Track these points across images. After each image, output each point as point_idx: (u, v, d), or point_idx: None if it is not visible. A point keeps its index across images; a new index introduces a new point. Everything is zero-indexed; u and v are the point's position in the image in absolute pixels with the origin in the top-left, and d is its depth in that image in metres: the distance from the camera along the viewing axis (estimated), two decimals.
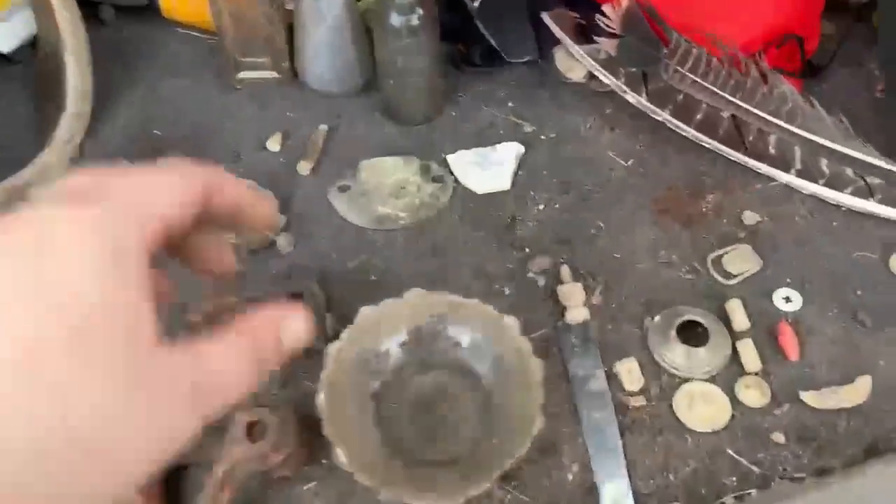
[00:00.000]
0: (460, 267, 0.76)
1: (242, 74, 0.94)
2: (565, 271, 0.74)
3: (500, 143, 0.86)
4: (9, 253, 0.22)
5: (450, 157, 0.85)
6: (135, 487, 0.24)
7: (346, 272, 0.76)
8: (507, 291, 0.74)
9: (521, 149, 0.86)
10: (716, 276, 0.74)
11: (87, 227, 0.23)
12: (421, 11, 0.81)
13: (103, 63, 0.91)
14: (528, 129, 0.88)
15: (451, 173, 0.84)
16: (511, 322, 0.65)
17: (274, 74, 0.94)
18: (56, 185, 0.26)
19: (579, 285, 0.72)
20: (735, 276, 0.74)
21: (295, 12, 0.88)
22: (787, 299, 0.72)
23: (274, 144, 0.88)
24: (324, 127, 0.89)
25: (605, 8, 0.86)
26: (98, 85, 0.88)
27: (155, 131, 0.90)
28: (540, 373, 0.61)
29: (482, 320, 0.66)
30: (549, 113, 0.90)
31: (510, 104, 0.91)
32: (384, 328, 0.67)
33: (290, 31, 0.91)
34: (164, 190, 0.27)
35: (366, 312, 0.66)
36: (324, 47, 0.88)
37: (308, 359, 0.63)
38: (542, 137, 0.88)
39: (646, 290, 0.74)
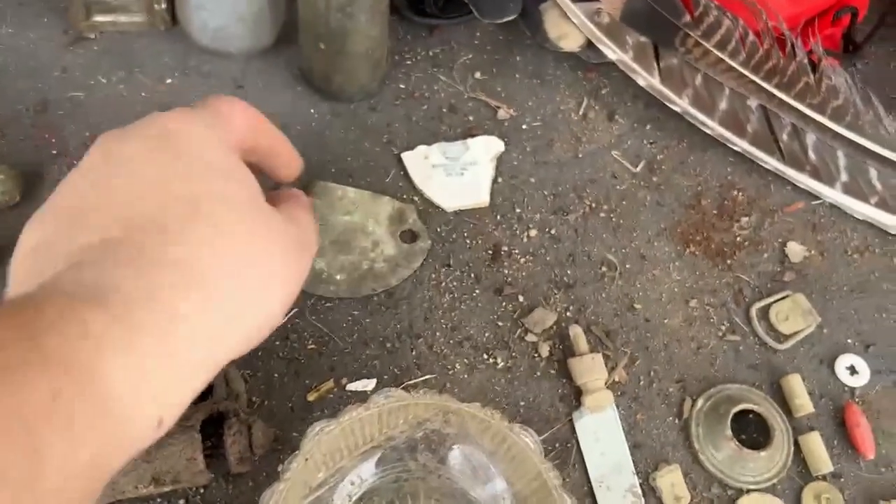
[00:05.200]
0: (431, 326, 0.55)
1: (97, 18, 0.65)
2: (578, 335, 0.55)
3: (468, 131, 0.64)
4: (144, 138, 0.28)
5: (405, 156, 0.62)
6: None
7: (272, 349, 0.53)
8: (499, 363, 0.55)
9: (501, 146, 0.64)
10: (764, 337, 0.57)
11: (200, 124, 0.29)
12: None
13: None
14: (502, 113, 0.66)
15: (421, 198, 0.61)
16: (528, 440, 0.46)
17: (142, 20, 0.65)
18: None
19: (599, 357, 0.54)
20: (788, 338, 0.57)
21: None
22: (852, 370, 0.57)
23: None
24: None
25: None
26: None
27: None
28: None
29: (484, 434, 0.47)
30: (529, 90, 0.68)
31: (476, 75, 0.68)
32: (346, 453, 0.46)
33: None
34: (240, 113, 0.31)
35: (317, 432, 0.45)
36: None
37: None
38: (524, 127, 0.66)
39: (680, 359, 0.56)
